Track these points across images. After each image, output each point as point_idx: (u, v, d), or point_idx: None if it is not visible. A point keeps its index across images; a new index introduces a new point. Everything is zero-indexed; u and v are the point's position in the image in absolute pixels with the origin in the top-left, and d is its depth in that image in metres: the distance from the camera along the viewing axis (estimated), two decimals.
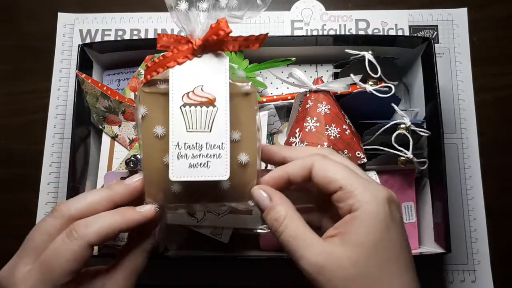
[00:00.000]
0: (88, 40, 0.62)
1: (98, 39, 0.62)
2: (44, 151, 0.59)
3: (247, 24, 0.62)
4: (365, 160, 0.49)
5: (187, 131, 0.34)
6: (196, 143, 0.34)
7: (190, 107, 0.34)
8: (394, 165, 0.49)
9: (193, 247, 0.53)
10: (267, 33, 0.37)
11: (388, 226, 0.30)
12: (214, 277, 0.55)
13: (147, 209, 0.35)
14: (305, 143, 0.48)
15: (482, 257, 0.55)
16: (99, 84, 0.51)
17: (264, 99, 0.54)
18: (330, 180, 0.32)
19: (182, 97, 0.34)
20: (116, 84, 0.56)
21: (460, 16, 0.61)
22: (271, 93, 0.56)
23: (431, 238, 0.50)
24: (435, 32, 0.61)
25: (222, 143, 0.34)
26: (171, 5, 0.35)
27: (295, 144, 0.49)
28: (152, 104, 0.36)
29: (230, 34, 0.35)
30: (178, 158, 0.34)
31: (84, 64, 0.53)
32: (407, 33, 0.61)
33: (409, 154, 0.46)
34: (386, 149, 0.47)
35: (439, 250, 0.48)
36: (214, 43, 0.35)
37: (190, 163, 0.34)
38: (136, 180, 0.36)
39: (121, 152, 0.53)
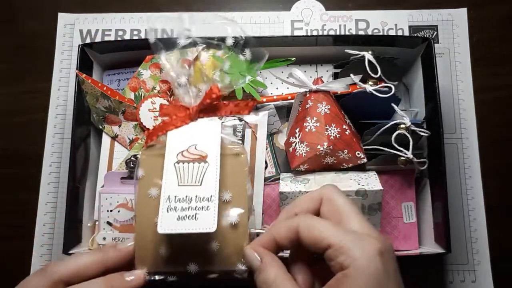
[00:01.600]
0: (88, 40, 0.62)
1: (98, 39, 0.62)
2: (44, 151, 0.59)
3: (247, 25, 0.62)
4: (365, 160, 0.49)
5: (178, 185, 0.35)
6: (186, 196, 0.35)
7: (183, 163, 0.36)
8: (394, 165, 0.49)
9: None
10: (256, 101, 0.44)
11: (381, 281, 0.28)
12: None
13: (136, 278, 0.35)
14: (305, 143, 0.48)
15: (482, 257, 0.55)
16: (99, 84, 0.51)
17: (264, 99, 0.54)
18: (317, 239, 0.30)
19: (177, 155, 0.37)
20: (116, 84, 0.56)
21: (460, 16, 0.61)
22: (271, 93, 0.56)
23: (431, 238, 0.50)
24: (435, 32, 0.61)
25: (211, 196, 0.35)
26: (173, 79, 0.41)
27: (295, 144, 0.49)
28: (150, 166, 0.38)
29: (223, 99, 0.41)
30: (167, 211, 0.34)
31: (84, 64, 0.53)
32: (407, 33, 0.61)
33: (409, 154, 0.46)
34: (386, 149, 0.47)
35: (439, 250, 0.48)
36: (208, 108, 0.40)
37: (178, 216, 0.34)
38: (129, 245, 0.36)
39: (121, 152, 0.53)
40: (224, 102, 0.41)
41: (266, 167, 0.54)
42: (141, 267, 0.36)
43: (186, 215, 0.34)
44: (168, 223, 0.34)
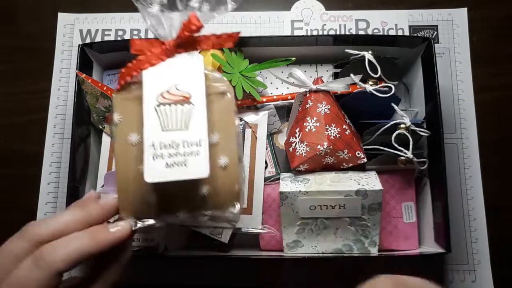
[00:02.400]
0: (88, 40, 0.62)
1: (98, 39, 0.62)
2: (44, 151, 0.59)
3: (246, 24, 0.62)
4: (365, 160, 0.49)
5: (162, 131, 0.33)
6: (173, 142, 0.32)
7: (165, 106, 0.33)
8: (394, 165, 0.49)
9: (193, 247, 0.53)
10: (239, 32, 0.37)
11: None
12: (214, 277, 0.55)
13: (121, 229, 0.32)
14: (305, 143, 0.48)
15: (482, 257, 0.55)
16: (99, 84, 0.51)
17: (264, 99, 0.54)
18: None
19: (157, 97, 0.33)
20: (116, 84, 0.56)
21: (460, 16, 0.61)
22: (271, 93, 0.56)
23: (431, 238, 0.50)
24: (435, 32, 0.61)
25: (200, 140, 0.33)
26: (143, 10, 0.35)
27: (295, 144, 0.49)
28: (126, 110, 0.35)
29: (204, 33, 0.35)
30: (153, 158, 0.32)
31: (84, 64, 0.53)
32: (407, 33, 0.61)
33: (409, 154, 0.46)
34: (386, 149, 0.47)
35: (439, 250, 0.48)
36: (187, 42, 0.35)
37: (166, 163, 0.32)
38: (111, 199, 0.34)
39: None
40: (205, 34, 0.35)
41: (266, 167, 0.54)
42: (125, 216, 0.34)
43: (174, 162, 0.32)
44: (156, 171, 0.31)
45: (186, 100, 0.33)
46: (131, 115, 0.34)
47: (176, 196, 0.34)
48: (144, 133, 0.32)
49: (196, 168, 0.32)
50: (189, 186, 0.33)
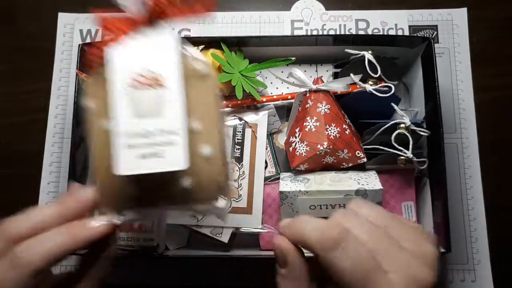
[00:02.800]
0: (88, 40, 0.62)
1: (98, 39, 0.62)
2: (44, 151, 0.59)
3: (246, 24, 0.62)
4: (365, 159, 0.49)
5: (134, 118, 0.29)
6: (146, 130, 0.29)
7: (135, 90, 0.30)
8: (394, 165, 0.49)
9: (193, 247, 0.53)
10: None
11: None
12: (214, 277, 0.55)
13: (100, 224, 0.31)
14: (305, 143, 0.48)
15: (482, 257, 0.55)
16: None
17: (264, 99, 0.54)
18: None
19: (127, 80, 0.30)
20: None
21: (460, 16, 0.61)
22: (271, 93, 0.56)
23: None
24: (435, 32, 0.61)
25: (177, 128, 0.29)
26: None
27: (295, 144, 0.49)
28: (99, 95, 0.31)
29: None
30: (124, 148, 0.29)
31: (85, 64, 0.53)
32: (407, 33, 0.61)
33: (409, 153, 0.46)
34: (386, 148, 0.47)
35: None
36: (156, 14, 0.31)
37: (140, 153, 0.29)
38: (89, 193, 0.32)
39: None
40: (176, 6, 0.32)
41: (266, 167, 0.54)
42: (106, 209, 0.32)
43: (149, 153, 0.29)
44: (128, 163, 0.29)
45: (158, 83, 0.30)
46: (104, 100, 0.31)
47: (156, 189, 0.31)
48: (113, 121, 0.29)
49: (174, 159, 0.29)
50: (169, 178, 0.30)
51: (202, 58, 0.33)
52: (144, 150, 0.29)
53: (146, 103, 0.30)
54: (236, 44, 0.53)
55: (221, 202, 0.33)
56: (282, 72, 0.56)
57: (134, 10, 0.32)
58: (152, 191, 0.32)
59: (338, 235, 0.27)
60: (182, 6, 0.32)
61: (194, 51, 0.34)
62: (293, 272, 0.30)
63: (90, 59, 0.32)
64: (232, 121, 0.53)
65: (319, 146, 0.47)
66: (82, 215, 0.31)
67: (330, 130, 0.48)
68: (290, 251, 0.30)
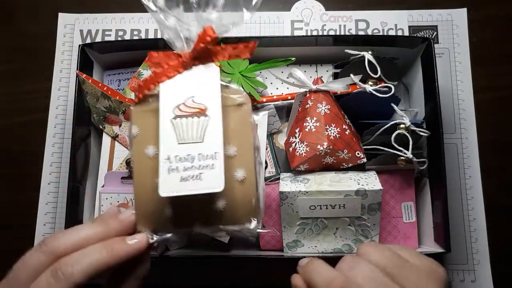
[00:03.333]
0: (88, 40, 0.62)
1: (98, 39, 0.62)
2: (45, 151, 0.59)
3: (247, 24, 0.62)
4: (364, 160, 0.49)
5: (178, 144, 0.32)
6: (188, 155, 0.32)
7: (181, 119, 0.33)
8: (393, 165, 0.49)
9: (193, 247, 0.53)
10: (256, 42, 0.37)
11: None
12: (214, 277, 0.55)
13: (139, 240, 0.33)
14: (305, 143, 0.48)
15: (482, 257, 0.55)
16: (100, 84, 0.51)
17: (264, 99, 0.54)
18: None
19: (173, 110, 0.33)
20: (117, 84, 0.56)
21: (459, 16, 0.61)
22: (271, 93, 0.56)
23: (430, 238, 0.50)
24: (435, 32, 0.61)
25: (215, 153, 0.32)
26: (161, 23, 0.35)
27: (295, 144, 0.50)
28: (144, 123, 0.35)
29: (222, 44, 0.35)
30: (168, 172, 0.32)
31: (85, 64, 0.53)
32: (406, 33, 0.61)
33: (409, 154, 0.46)
34: (386, 149, 0.48)
35: (438, 249, 0.48)
36: (203, 54, 0.35)
37: (181, 177, 0.32)
38: (131, 214, 0.34)
39: (121, 152, 0.53)
40: (221, 45, 0.36)
41: (266, 167, 0.54)
42: (143, 229, 0.34)
43: (189, 176, 0.32)
44: (171, 185, 0.31)
45: (202, 112, 0.33)
46: (148, 128, 0.35)
47: (192, 210, 0.34)
48: (160, 146, 0.32)
49: (211, 182, 0.32)
50: (205, 200, 0.33)
51: (239, 88, 0.37)
52: (185, 173, 0.32)
53: (189, 130, 0.33)
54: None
55: (253, 224, 0.35)
56: (282, 72, 0.56)
57: (182, 47, 0.35)
58: (188, 213, 0.34)
59: (342, 285, 0.30)
60: (229, 48, 0.36)
61: (233, 84, 0.37)
62: None
63: (137, 90, 0.36)
64: None
65: (319, 146, 0.47)
66: (122, 234, 0.33)
67: (330, 131, 0.48)
68: None
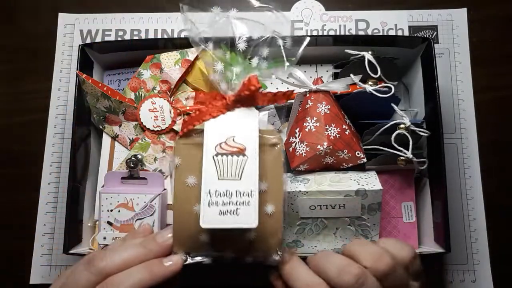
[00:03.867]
0: (88, 40, 0.62)
1: (98, 39, 0.62)
2: (45, 151, 0.59)
3: None
4: (364, 160, 0.49)
5: (218, 179, 0.35)
6: (227, 191, 0.35)
7: (222, 156, 0.36)
8: (393, 165, 0.49)
9: None
10: (293, 90, 0.42)
11: None
12: (214, 277, 0.55)
13: (174, 263, 0.36)
14: (305, 143, 0.48)
15: (482, 257, 0.55)
16: (100, 84, 0.51)
17: None
18: None
19: (215, 147, 0.36)
20: (117, 84, 0.56)
21: (459, 16, 0.61)
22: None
23: (430, 238, 0.50)
24: (435, 32, 0.61)
25: (251, 191, 0.35)
26: (209, 65, 0.39)
27: (295, 144, 0.50)
28: (186, 155, 0.38)
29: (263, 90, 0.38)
30: (209, 205, 0.35)
31: (85, 64, 0.53)
32: (407, 33, 0.61)
33: (409, 154, 0.46)
34: (386, 149, 0.48)
35: (438, 249, 0.48)
36: (246, 99, 0.38)
37: (220, 210, 0.35)
38: (169, 237, 0.37)
39: (121, 152, 0.53)
40: (262, 92, 0.39)
41: None
42: (179, 252, 0.37)
43: (227, 210, 0.35)
44: (211, 218, 0.34)
45: (241, 152, 0.36)
46: (190, 160, 0.38)
47: (226, 239, 0.37)
48: (202, 181, 0.35)
49: (247, 217, 0.35)
50: (239, 231, 0.36)
51: (273, 130, 0.41)
52: (223, 208, 0.35)
53: (228, 168, 0.36)
54: None
55: (277, 256, 0.38)
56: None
57: (226, 90, 0.39)
58: (222, 241, 0.37)
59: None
60: (269, 94, 0.39)
61: (266, 124, 0.42)
62: None
63: (182, 125, 0.40)
64: None
65: (319, 146, 0.47)
66: (160, 256, 0.37)
67: (330, 131, 0.48)
68: None
